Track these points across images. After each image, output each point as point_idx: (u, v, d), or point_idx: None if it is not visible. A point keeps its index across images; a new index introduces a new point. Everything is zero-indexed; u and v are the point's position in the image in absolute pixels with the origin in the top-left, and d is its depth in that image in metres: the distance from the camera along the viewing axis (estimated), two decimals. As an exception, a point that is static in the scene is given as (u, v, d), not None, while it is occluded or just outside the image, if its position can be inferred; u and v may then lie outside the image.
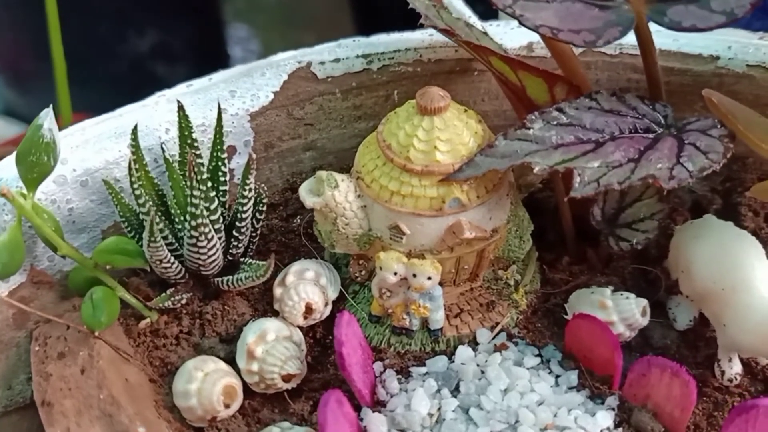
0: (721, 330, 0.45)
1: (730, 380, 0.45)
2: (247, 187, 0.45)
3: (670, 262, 0.49)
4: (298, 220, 0.52)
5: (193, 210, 0.41)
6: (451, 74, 0.54)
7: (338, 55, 0.53)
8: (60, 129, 0.43)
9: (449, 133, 0.43)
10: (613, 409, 0.42)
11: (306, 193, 0.44)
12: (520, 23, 0.40)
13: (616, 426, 0.42)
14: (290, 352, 0.43)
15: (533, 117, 0.43)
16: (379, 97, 0.54)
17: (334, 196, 0.44)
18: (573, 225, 0.50)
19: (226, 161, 0.46)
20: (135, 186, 0.43)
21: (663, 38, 0.53)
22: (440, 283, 0.46)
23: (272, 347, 0.43)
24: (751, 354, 0.45)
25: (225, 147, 0.50)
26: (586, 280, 0.49)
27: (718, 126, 0.42)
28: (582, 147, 0.42)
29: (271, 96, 0.51)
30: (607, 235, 0.49)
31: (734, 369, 0.45)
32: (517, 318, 0.48)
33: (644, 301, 0.46)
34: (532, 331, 0.48)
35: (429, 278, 0.44)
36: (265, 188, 0.48)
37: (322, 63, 0.52)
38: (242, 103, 0.51)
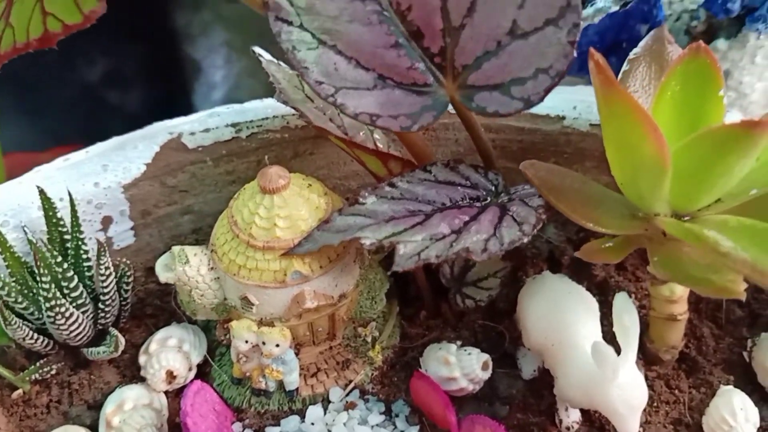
0: (555, 382, 0.48)
1: (568, 428, 0.49)
2: (102, 266, 0.47)
3: (516, 315, 0.52)
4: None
5: (45, 294, 0.44)
6: (318, 138, 0.57)
7: (208, 125, 0.56)
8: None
9: (289, 210, 0.46)
10: (448, 462, 0.45)
11: (161, 269, 0.48)
12: (341, 112, 0.43)
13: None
14: (146, 420, 0.46)
15: (366, 193, 0.46)
16: (251, 162, 0.57)
17: (185, 271, 0.47)
18: (428, 281, 0.54)
19: (85, 240, 0.49)
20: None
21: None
22: (299, 344, 0.49)
23: (129, 416, 0.46)
24: (578, 407, 0.48)
25: (101, 218, 0.53)
26: (439, 335, 0.52)
27: (537, 195, 0.46)
28: (412, 220, 0.45)
29: (144, 168, 0.54)
30: (455, 292, 0.52)
31: (571, 417, 0.49)
32: (373, 374, 0.51)
33: (485, 356, 0.49)
34: (388, 385, 0.51)
35: (277, 345, 0.47)
36: (133, 263, 0.51)
37: (193, 134, 0.55)
38: (114, 176, 0.54)
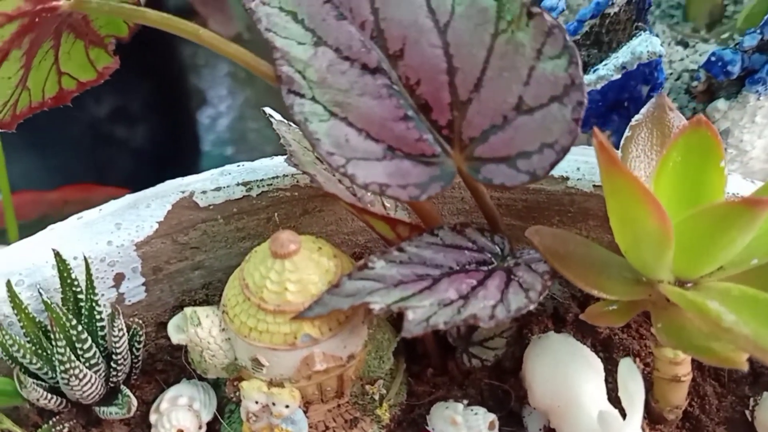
0: (562, 442, 0.49)
1: (574, 489, 0.49)
2: (116, 329, 0.48)
3: (521, 374, 0.53)
4: (184, 340, 0.56)
5: (60, 357, 0.45)
6: (326, 196, 0.58)
7: (219, 183, 0.57)
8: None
9: (299, 274, 0.47)
10: None
11: (173, 330, 0.48)
12: (352, 182, 0.44)
13: None
14: (157, 481, 0.47)
15: (374, 258, 0.47)
16: (261, 219, 0.58)
17: (197, 333, 0.48)
18: (436, 340, 0.54)
19: (99, 300, 0.50)
20: (6, 337, 0.47)
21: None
22: (308, 402, 0.50)
23: (141, 477, 0.47)
24: (582, 467, 0.49)
25: (113, 275, 0.54)
26: (445, 393, 0.53)
27: (543, 261, 0.47)
28: (419, 284, 0.46)
29: (156, 226, 0.55)
30: (462, 351, 0.53)
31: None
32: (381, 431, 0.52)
33: (492, 416, 0.50)
34: (396, 443, 0.52)
35: (287, 406, 0.47)
36: (143, 318, 0.52)
37: (204, 192, 0.56)
38: (128, 234, 0.55)
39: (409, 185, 0.45)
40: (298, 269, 0.47)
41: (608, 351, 0.55)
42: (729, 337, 0.37)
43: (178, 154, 1.29)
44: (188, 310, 0.48)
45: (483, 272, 0.47)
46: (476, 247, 0.49)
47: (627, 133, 0.52)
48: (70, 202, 1.20)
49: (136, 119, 1.29)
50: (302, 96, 0.45)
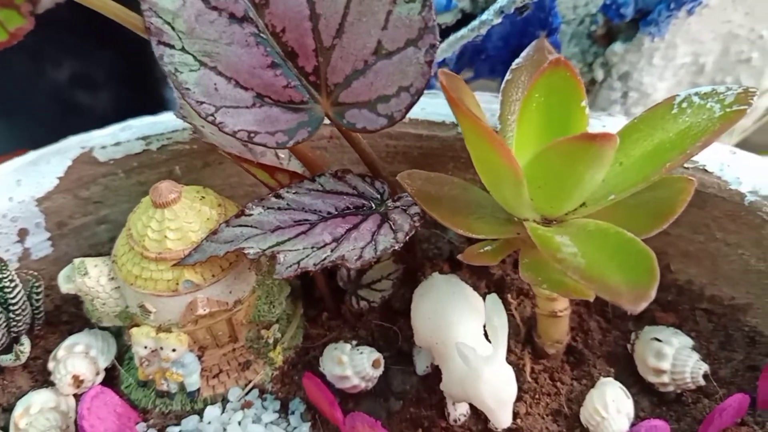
0: (442, 378, 0.51)
1: (455, 420, 0.51)
2: (6, 280, 0.50)
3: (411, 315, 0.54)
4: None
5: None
6: (227, 149, 0.59)
7: (119, 138, 0.58)
8: None
9: (179, 222, 0.48)
10: (334, 457, 0.48)
11: (63, 280, 0.50)
12: (220, 130, 0.45)
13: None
14: (51, 422, 0.48)
15: (252, 205, 0.48)
16: (162, 173, 0.59)
17: (84, 282, 0.49)
18: (329, 284, 0.56)
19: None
20: None
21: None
22: (202, 347, 0.52)
23: (35, 419, 0.48)
24: (460, 401, 0.51)
25: (17, 230, 0.56)
26: (338, 335, 0.55)
27: (415, 204, 0.48)
28: (296, 229, 0.48)
29: (56, 182, 0.57)
30: (351, 294, 0.54)
31: (458, 411, 0.51)
32: (274, 374, 0.54)
33: (377, 355, 0.52)
34: (288, 384, 0.54)
35: (174, 350, 0.49)
36: (50, 272, 0.54)
37: (104, 147, 0.58)
38: (28, 190, 0.56)
39: (277, 132, 0.46)
40: (177, 217, 0.48)
41: (501, 291, 0.57)
42: (564, 267, 0.39)
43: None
44: (77, 260, 0.50)
45: (360, 216, 0.49)
46: (356, 193, 0.50)
47: (507, 76, 0.53)
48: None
49: (99, 86, 1.29)
50: (172, 47, 0.46)
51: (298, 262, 0.46)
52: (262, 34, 0.46)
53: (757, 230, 0.49)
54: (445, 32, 0.62)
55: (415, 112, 0.58)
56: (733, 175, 0.50)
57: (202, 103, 0.46)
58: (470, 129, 0.42)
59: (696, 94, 0.45)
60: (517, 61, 0.53)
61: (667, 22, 0.60)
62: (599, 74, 0.64)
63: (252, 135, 0.46)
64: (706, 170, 0.51)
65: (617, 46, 0.62)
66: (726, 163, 0.50)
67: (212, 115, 0.46)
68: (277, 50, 0.46)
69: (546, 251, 0.41)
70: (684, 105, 0.45)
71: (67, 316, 0.57)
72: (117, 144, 0.58)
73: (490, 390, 0.46)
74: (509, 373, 0.47)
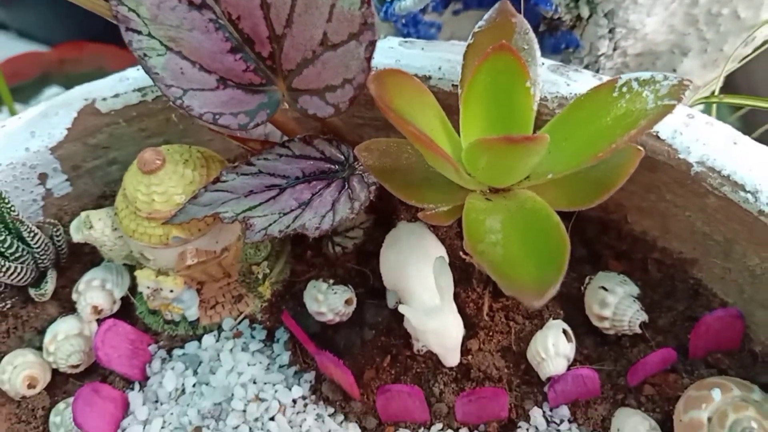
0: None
1: (418, 351, 0.59)
2: (26, 231, 0.58)
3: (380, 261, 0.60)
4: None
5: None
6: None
7: (117, 90, 0.63)
8: None
9: (164, 186, 0.54)
10: (309, 383, 0.57)
11: (74, 231, 0.58)
12: (188, 114, 0.50)
13: (313, 395, 0.57)
14: (74, 347, 0.59)
15: (226, 171, 0.53)
16: (160, 120, 0.64)
17: (91, 234, 0.57)
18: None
19: (11, 209, 0.59)
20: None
21: (388, 59, 0.60)
22: (201, 282, 0.60)
23: (61, 345, 0.59)
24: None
25: (37, 175, 0.63)
26: (319, 273, 0.62)
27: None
28: (267, 194, 0.53)
29: (66, 132, 0.63)
30: (328, 240, 0.60)
31: (421, 343, 0.58)
32: (263, 306, 0.62)
33: (349, 294, 0.58)
34: (276, 314, 0.61)
35: (171, 291, 0.58)
36: (72, 208, 0.62)
37: (104, 99, 0.63)
38: (41, 141, 0.62)
39: (240, 113, 0.50)
40: (162, 182, 0.54)
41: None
42: (481, 260, 0.43)
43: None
44: (83, 214, 0.57)
45: (325, 181, 0.53)
46: (323, 157, 0.54)
47: (470, 40, 0.53)
48: (66, 60, 1.27)
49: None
50: (139, 33, 0.49)
51: (266, 228, 0.51)
52: (220, 20, 0.48)
53: (702, 198, 0.51)
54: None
55: (390, 64, 0.60)
56: (683, 144, 0.51)
57: (170, 86, 0.50)
58: (408, 135, 0.44)
59: (636, 79, 0.46)
60: (479, 24, 0.53)
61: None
62: (585, 11, 0.63)
63: (217, 117, 0.50)
64: (658, 137, 0.52)
65: (601, -16, 0.61)
66: (679, 130, 0.51)
67: (180, 98, 0.50)
68: (236, 36, 0.49)
69: (470, 242, 0.45)
70: (624, 90, 0.46)
71: (89, 248, 0.65)
72: (116, 96, 0.63)
73: (435, 339, 0.52)
74: (454, 322, 0.52)
